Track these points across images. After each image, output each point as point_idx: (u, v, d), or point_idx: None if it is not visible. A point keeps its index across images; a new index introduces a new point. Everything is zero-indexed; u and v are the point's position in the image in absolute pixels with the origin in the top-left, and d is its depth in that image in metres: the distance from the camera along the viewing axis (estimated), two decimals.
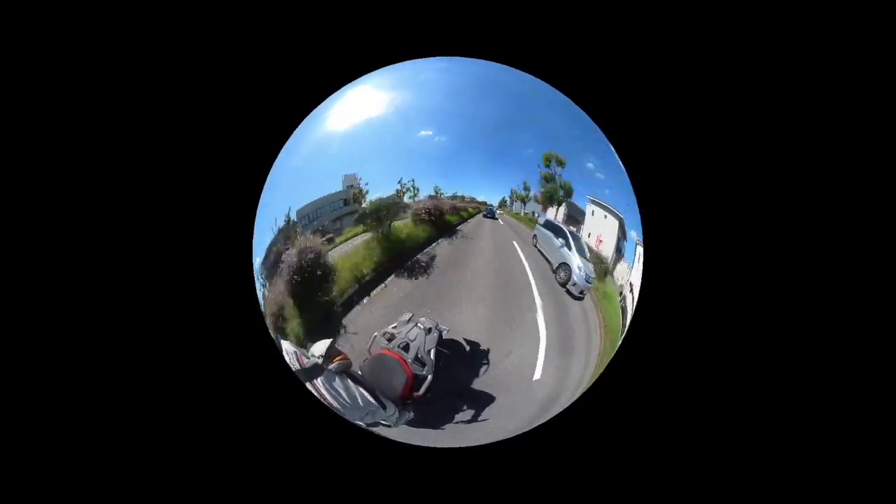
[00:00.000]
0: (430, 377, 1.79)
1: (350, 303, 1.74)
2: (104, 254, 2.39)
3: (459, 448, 2.15)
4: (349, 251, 1.72)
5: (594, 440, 2.41)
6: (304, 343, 1.83)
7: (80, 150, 2.37)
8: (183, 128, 2.38)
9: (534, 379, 1.88)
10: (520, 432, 2.08)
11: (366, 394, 1.80)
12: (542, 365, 1.87)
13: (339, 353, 1.77)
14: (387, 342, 1.77)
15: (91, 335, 2.38)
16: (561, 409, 2.06)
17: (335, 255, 1.74)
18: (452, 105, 1.79)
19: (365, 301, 1.75)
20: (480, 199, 1.75)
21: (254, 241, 1.98)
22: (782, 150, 2.42)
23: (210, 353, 2.39)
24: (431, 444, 2.09)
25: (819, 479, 2.34)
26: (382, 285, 1.75)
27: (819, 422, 2.38)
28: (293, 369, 1.90)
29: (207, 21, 2.32)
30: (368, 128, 1.77)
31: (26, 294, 2.35)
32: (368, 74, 1.90)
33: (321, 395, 1.85)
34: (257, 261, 1.94)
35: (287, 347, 1.87)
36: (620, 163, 2.01)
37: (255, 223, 1.99)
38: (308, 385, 1.88)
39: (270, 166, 1.99)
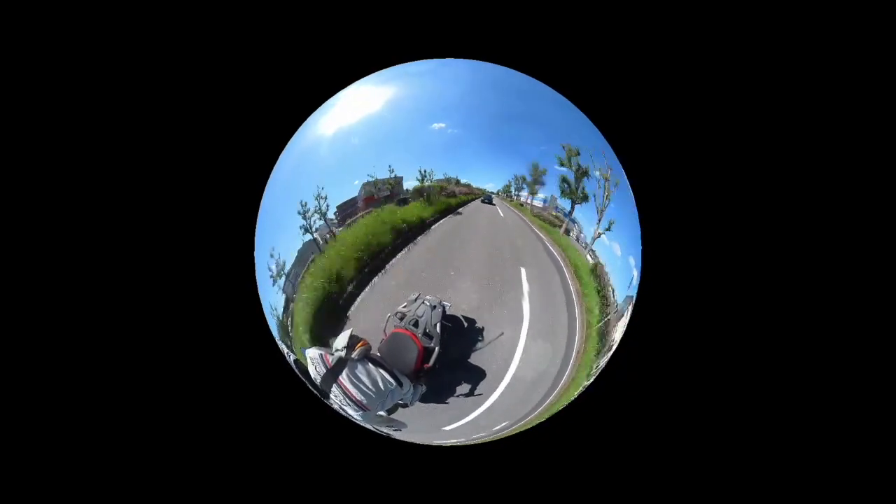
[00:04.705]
0: (437, 349, 2.07)
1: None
2: (105, 258, 2.46)
3: (460, 448, 2.36)
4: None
5: (594, 441, 2.50)
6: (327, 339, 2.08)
7: (80, 153, 2.44)
8: (185, 130, 2.50)
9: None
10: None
11: (385, 374, 2.06)
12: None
13: (360, 339, 2.05)
14: (399, 321, 2.06)
15: (92, 339, 2.44)
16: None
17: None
18: (462, 101, 2.06)
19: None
20: (481, 186, 2.01)
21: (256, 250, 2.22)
22: (782, 153, 2.47)
23: (210, 355, 2.48)
24: (436, 439, 2.29)
25: (814, 479, 2.42)
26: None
27: (814, 422, 2.45)
28: (319, 378, 2.10)
29: (212, 21, 2.43)
30: (374, 123, 2.06)
31: (29, 296, 2.39)
32: (379, 72, 2.18)
33: (346, 391, 2.08)
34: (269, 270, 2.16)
35: (312, 355, 2.10)
36: (621, 166, 2.20)
37: (259, 220, 2.21)
38: (333, 389, 2.09)
39: (270, 166, 2.21)
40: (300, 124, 2.25)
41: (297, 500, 2.47)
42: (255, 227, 2.29)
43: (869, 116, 2.43)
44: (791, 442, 2.47)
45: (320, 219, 2.05)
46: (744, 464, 2.47)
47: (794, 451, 2.46)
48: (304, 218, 2.05)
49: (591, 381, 2.29)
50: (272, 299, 2.22)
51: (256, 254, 2.28)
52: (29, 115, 2.44)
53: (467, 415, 2.20)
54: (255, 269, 2.28)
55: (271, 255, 2.19)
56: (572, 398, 2.27)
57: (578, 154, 2.08)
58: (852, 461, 2.41)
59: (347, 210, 2.04)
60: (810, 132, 2.48)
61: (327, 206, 2.04)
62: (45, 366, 2.43)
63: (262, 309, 2.29)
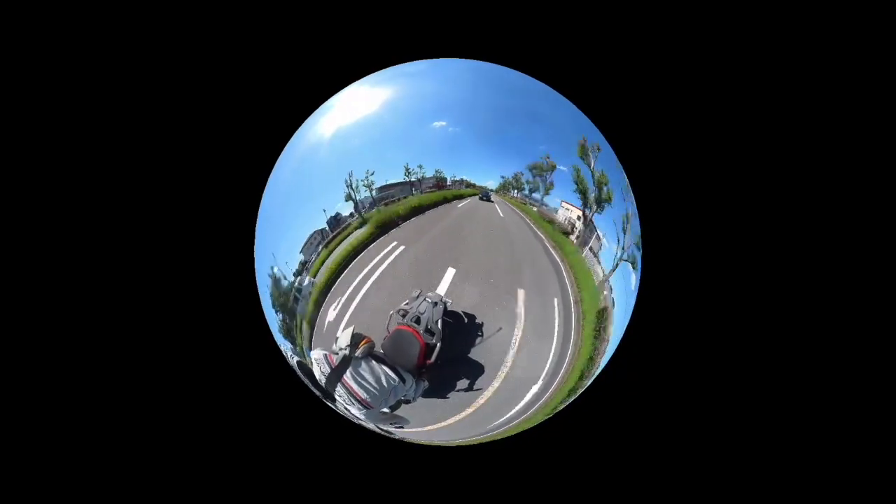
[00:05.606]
0: (438, 345, 2.08)
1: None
2: (106, 260, 2.46)
3: (460, 448, 2.36)
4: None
5: (594, 440, 2.50)
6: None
7: (80, 153, 2.44)
8: (185, 131, 2.50)
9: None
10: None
11: (388, 370, 2.06)
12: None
13: (363, 336, 2.05)
14: (401, 318, 2.06)
15: (93, 340, 2.43)
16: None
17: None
18: (461, 100, 2.09)
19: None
20: (479, 183, 2.04)
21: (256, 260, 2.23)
22: (781, 152, 2.46)
23: (210, 356, 2.48)
24: (435, 437, 2.27)
25: (813, 478, 2.41)
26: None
27: (813, 421, 2.44)
28: (324, 379, 2.10)
29: (212, 22, 2.44)
30: (374, 122, 2.09)
31: (31, 300, 2.38)
32: (378, 72, 2.20)
33: (350, 390, 2.07)
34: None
35: (316, 356, 2.10)
36: (621, 166, 2.23)
37: (258, 221, 2.22)
38: (338, 389, 2.09)
39: (270, 167, 2.23)
40: (299, 125, 2.26)
41: (297, 500, 2.45)
42: (254, 228, 2.30)
43: (868, 116, 2.44)
44: (790, 441, 2.47)
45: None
46: (743, 463, 2.47)
47: (792, 449, 2.47)
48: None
49: (589, 382, 2.29)
50: (274, 298, 2.22)
51: (256, 254, 2.29)
52: (29, 117, 2.45)
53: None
54: (255, 269, 2.29)
55: (272, 255, 2.20)
56: (565, 401, 2.28)
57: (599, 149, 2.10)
58: (851, 460, 2.42)
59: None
60: (809, 132, 2.49)
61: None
62: (46, 368, 2.42)
63: (262, 310, 2.28)
